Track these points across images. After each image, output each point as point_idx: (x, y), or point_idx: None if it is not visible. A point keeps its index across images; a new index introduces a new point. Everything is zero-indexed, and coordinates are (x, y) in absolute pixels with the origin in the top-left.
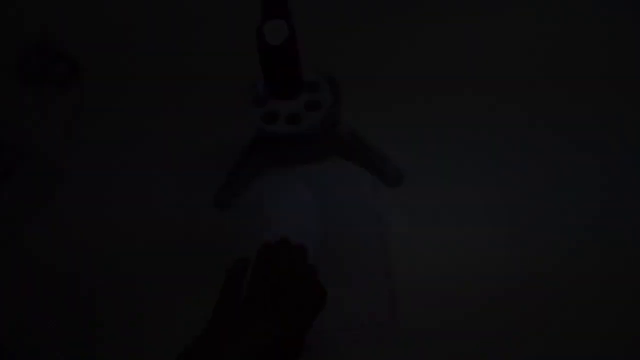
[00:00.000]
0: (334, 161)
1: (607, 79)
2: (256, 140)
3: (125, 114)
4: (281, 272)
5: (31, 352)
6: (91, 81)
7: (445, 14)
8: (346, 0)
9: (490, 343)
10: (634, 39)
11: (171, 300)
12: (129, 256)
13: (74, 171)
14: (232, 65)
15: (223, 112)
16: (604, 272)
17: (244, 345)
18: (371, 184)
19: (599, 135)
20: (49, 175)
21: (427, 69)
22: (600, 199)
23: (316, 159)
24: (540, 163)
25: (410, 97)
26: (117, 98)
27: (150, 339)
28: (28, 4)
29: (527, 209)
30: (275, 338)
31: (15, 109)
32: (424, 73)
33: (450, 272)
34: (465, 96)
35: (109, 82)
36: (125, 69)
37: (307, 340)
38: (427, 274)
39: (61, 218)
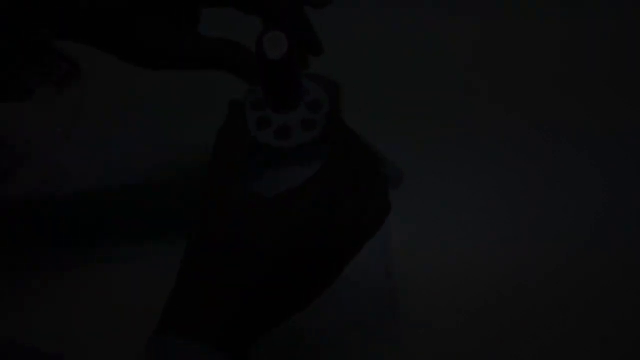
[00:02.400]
0: None
1: (608, 80)
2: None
3: (126, 114)
4: None
5: None
6: (91, 81)
7: (445, 14)
8: (346, 1)
9: (491, 343)
10: (634, 42)
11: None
12: (128, 255)
13: (74, 171)
14: None
15: (224, 112)
16: (605, 273)
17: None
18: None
19: (600, 135)
20: (49, 175)
21: (427, 69)
22: (602, 200)
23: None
24: (541, 163)
25: (411, 97)
26: (117, 98)
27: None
28: None
29: (528, 210)
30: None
31: (15, 109)
32: (425, 73)
33: (451, 272)
34: (466, 96)
35: (109, 82)
36: (125, 69)
37: (306, 339)
38: (427, 274)
39: (61, 218)
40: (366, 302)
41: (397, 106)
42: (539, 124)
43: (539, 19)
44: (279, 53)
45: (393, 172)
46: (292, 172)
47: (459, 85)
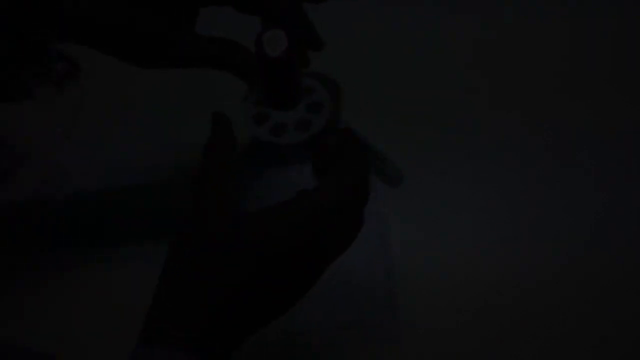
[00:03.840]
0: None
1: (609, 79)
2: (256, 142)
3: (126, 114)
4: None
5: None
6: (91, 81)
7: (445, 12)
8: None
9: (491, 343)
10: (634, 41)
11: None
12: (127, 255)
13: (74, 171)
14: None
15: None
16: (605, 273)
17: None
18: (371, 183)
19: (600, 135)
20: (49, 175)
21: (427, 69)
22: (602, 200)
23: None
24: (541, 163)
25: (411, 96)
26: (117, 98)
27: None
28: None
29: (528, 210)
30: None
31: (15, 109)
32: (425, 73)
33: (450, 272)
34: (466, 97)
35: (109, 82)
36: (125, 69)
37: (306, 339)
38: (427, 274)
39: (60, 218)
40: (366, 302)
41: (397, 106)
42: (539, 124)
43: (539, 18)
44: (278, 50)
45: (393, 172)
46: (291, 171)
47: (459, 85)
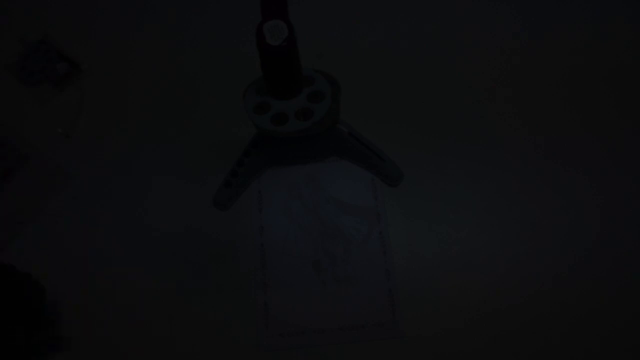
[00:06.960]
0: (333, 160)
1: (609, 80)
2: (256, 139)
3: (125, 114)
4: None
5: None
6: (91, 81)
7: (445, 12)
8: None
9: (489, 343)
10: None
11: (168, 300)
12: (128, 255)
13: (74, 171)
14: (231, 65)
15: (222, 112)
16: (605, 273)
17: None
18: (370, 182)
19: (601, 136)
20: (49, 175)
21: (428, 69)
22: (602, 201)
23: (316, 157)
24: (542, 164)
25: (411, 96)
26: (117, 98)
27: (147, 340)
28: (28, 4)
29: (528, 210)
30: None
31: (15, 109)
32: (425, 72)
33: (450, 272)
34: (466, 96)
35: (109, 82)
36: (125, 69)
37: (306, 339)
38: (427, 274)
39: (61, 218)
40: (366, 302)
41: (397, 106)
42: (540, 125)
43: (539, 17)
44: (278, 39)
45: (393, 172)
46: (291, 170)
47: (459, 85)
